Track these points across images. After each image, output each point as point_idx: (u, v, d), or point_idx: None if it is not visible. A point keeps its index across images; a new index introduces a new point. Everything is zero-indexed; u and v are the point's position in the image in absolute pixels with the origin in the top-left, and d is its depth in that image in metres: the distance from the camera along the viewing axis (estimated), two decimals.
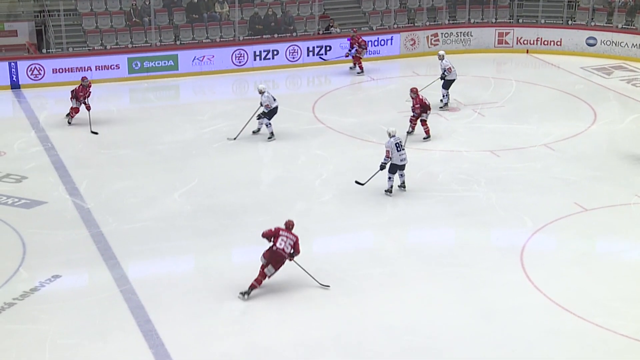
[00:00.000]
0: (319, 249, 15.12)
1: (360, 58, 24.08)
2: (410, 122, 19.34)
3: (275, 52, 24.58)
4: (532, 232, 15.25)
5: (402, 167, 16.48)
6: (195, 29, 24.99)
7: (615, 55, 25.03)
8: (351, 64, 24.39)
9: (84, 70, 23.10)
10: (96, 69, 23.31)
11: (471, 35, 26.16)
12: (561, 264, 14.29)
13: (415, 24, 26.49)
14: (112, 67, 23.49)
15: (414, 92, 19.06)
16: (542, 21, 26.26)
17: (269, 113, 19.01)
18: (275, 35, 25.24)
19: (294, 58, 24.68)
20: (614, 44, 25.21)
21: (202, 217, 15.89)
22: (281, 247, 13.20)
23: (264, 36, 25.11)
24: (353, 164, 17.91)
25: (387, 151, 16.22)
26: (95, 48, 24.08)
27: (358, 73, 24.19)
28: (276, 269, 13.25)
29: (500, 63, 25.54)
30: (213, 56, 24.19)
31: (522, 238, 15.02)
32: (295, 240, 13.38)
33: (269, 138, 19.15)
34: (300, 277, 13.86)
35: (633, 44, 24.94)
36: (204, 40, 24.90)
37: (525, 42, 26.04)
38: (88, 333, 12.36)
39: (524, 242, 14.88)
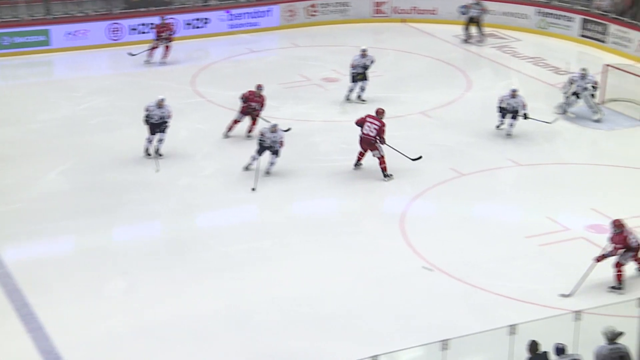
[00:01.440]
0: (203, 223, 15.07)
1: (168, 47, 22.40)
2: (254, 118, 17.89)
3: (152, 26, 24.07)
4: (412, 199, 15.64)
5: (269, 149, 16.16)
6: (67, 3, 24.15)
7: (486, 23, 25.69)
8: (149, 58, 22.33)
9: None
10: None
11: (348, 6, 26.36)
12: (440, 229, 14.73)
13: None
14: None
15: (260, 87, 17.95)
16: None
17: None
18: (152, 8, 24.72)
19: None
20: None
21: (82, 196, 15.54)
22: (366, 132, 15.79)
23: (139, 9, 24.55)
24: (235, 137, 17.86)
25: (281, 141, 16.03)
26: None
27: (160, 63, 22.37)
28: (371, 150, 15.82)
29: (378, 33, 25.86)
30: (87, 30, 23.54)
31: (402, 204, 15.40)
32: (379, 125, 15.68)
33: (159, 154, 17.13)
34: (186, 250, 13.81)
35: (502, 12, 25.68)
36: (77, 14, 24.16)
37: (402, 11, 26.43)
38: None
39: (404, 209, 15.25)
